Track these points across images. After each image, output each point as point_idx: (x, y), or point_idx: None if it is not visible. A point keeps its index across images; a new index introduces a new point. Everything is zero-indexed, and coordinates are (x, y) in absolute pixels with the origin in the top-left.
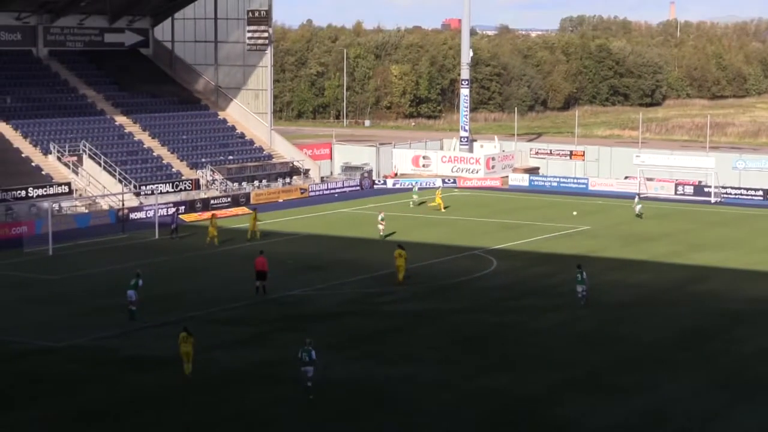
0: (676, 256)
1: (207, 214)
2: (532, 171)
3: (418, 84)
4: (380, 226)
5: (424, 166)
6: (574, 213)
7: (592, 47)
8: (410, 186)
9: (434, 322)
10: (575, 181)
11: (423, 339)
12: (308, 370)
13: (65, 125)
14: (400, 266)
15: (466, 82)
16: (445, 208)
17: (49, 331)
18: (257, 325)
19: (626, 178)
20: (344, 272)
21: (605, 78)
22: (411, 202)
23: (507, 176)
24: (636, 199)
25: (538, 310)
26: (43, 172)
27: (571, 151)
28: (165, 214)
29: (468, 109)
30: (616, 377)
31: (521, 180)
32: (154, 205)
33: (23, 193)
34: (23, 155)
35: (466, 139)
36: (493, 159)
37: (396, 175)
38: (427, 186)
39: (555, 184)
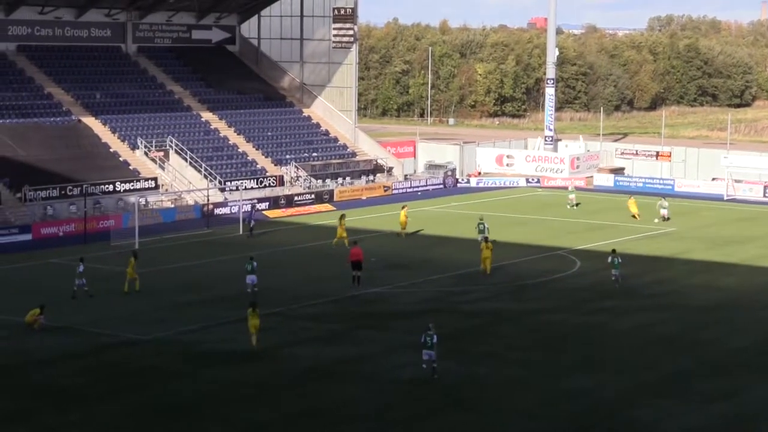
0: (765, 259)
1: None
2: (618, 171)
3: (502, 83)
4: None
5: (507, 165)
6: (656, 221)
7: (681, 47)
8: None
9: (516, 321)
10: (661, 182)
11: (504, 339)
12: (431, 354)
13: (152, 121)
14: (486, 258)
15: (552, 81)
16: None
17: (137, 323)
18: (338, 322)
19: (713, 179)
20: (426, 270)
21: (693, 78)
22: (568, 204)
23: (592, 176)
24: (660, 202)
25: (621, 312)
26: (130, 167)
27: (657, 152)
28: (244, 210)
29: (553, 109)
30: (699, 381)
31: (606, 180)
32: (239, 200)
33: (111, 187)
34: (111, 150)
35: (550, 139)
36: (578, 159)
37: (480, 174)
38: (555, 186)
39: (640, 184)
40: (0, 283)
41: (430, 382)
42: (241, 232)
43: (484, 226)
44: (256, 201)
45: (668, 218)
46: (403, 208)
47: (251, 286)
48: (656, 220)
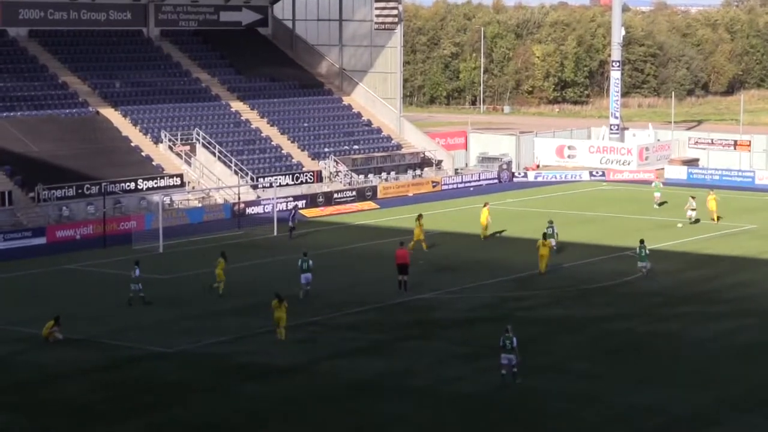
0: None
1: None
2: (691, 163)
3: (563, 66)
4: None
5: (569, 157)
6: (679, 225)
7: (761, 24)
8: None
9: (579, 329)
10: (740, 174)
11: (566, 348)
12: (510, 358)
13: (177, 112)
14: (543, 255)
15: (618, 64)
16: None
17: (161, 334)
18: (383, 332)
19: None
20: (479, 274)
21: None
22: (655, 204)
23: (662, 168)
24: (688, 203)
25: (697, 319)
26: (153, 163)
27: (735, 141)
28: (285, 209)
29: (619, 94)
30: None
31: (678, 173)
32: (273, 198)
33: (132, 185)
34: (132, 144)
35: (616, 127)
36: (647, 149)
37: (538, 167)
38: (646, 180)
39: (717, 177)
40: (12, 291)
41: (511, 386)
42: (275, 234)
43: (553, 230)
44: (292, 199)
45: (697, 220)
46: (485, 206)
47: (305, 285)
48: (679, 225)
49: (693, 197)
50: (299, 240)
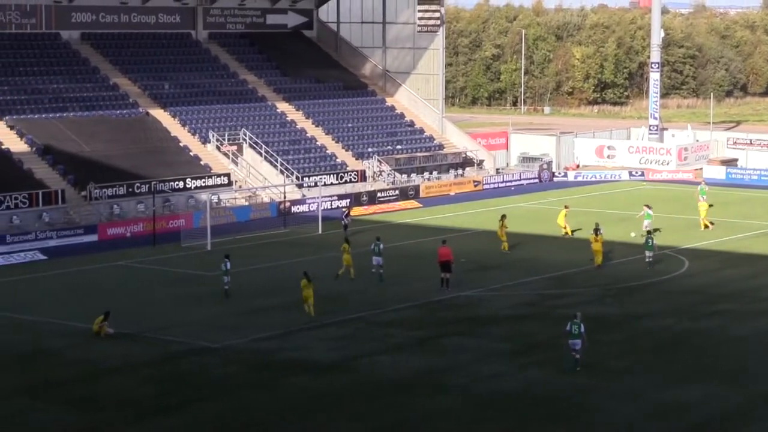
0: None
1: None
2: (730, 163)
3: (603, 67)
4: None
5: (608, 157)
6: (632, 234)
7: None
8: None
9: (619, 327)
10: None
11: (607, 346)
12: (576, 344)
13: (225, 112)
14: (597, 251)
15: (657, 66)
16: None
17: (208, 330)
18: (424, 329)
19: None
20: (521, 272)
21: None
22: (636, 233)
23: (701, 168)
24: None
25: (736, 317)
26: (201, 162)
27: None
28: (341, 207)
29: (658, 95)
30: None
31: (717, 173)
32: (318, 197)
33: (181, 184)
34: (181, 144)
35: (655, 128)
36: (686, 149)
37: (578, 167)
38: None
39: (755, 177)
40: (65, 287)
41: (573, 372)
42: (320, 232)
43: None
44: (343, 200)
45: (651, 231)
46: (565, 208)
47: (377, 266)
48: (633, 234)
49: (648, 206)
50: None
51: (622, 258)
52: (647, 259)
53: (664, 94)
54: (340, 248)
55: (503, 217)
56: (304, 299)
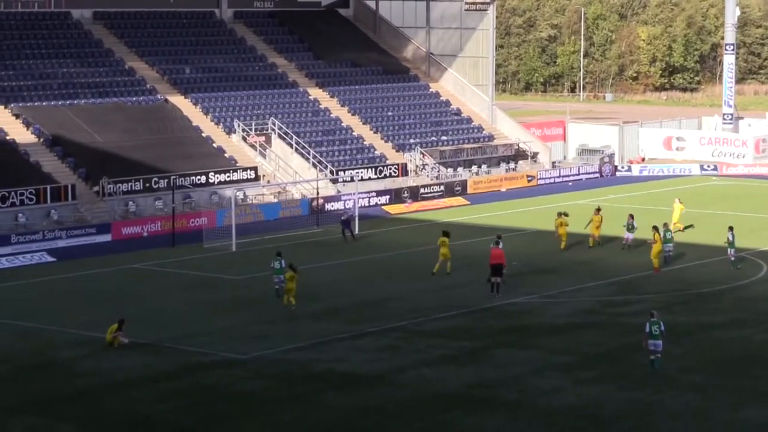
0: None
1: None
2: None
3: (671, 49)
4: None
5: (677, 149)
6: (624, 247)
7: None
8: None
9: (688, 338)
10: None
11: (674, 358)
12: (658, 344)
13: (251, 99)
14: (656, 252)
15: (732, 47)
16: (685, 227)
17: (234, 339)
18: (472, 339)
19: None
20: (580, 276)
21: None
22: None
23: None
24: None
25: None
26: (225, 155)
27: None
28: (343, 209)
29: (733, 80)
30: None
31: None
32: (355, 194)
33: (203, 178)
34: (203, 134)
35: (730, 117)
36: (764, 141)
37: (643, 160)
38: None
39: None
40: (76, 292)
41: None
42: (356, 232)
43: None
44: (375, 194)
45: (629, 245)
46: (677, 202)
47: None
48: (624, 246)
49: (631, 215)
50: (379, 238)
51: (692, 261)
52: (665, 253)
53: (740, 79)
54: (437, 242)
55: (561, 214)
56: (287, 291)
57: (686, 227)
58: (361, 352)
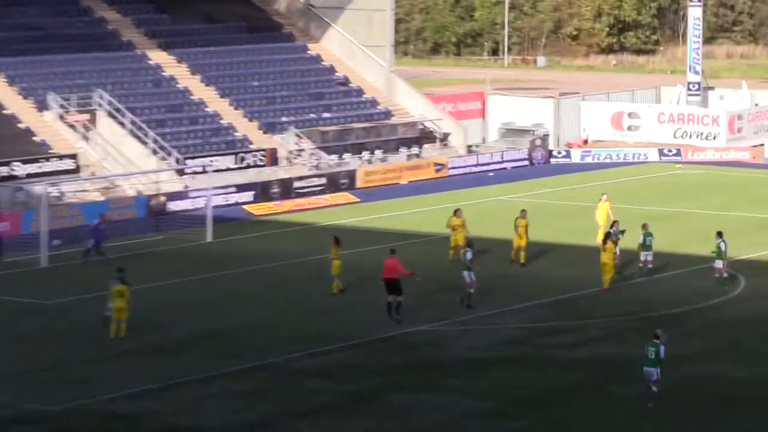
0: None
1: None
2: None
3: (621, 1)
4: None
5: (630, 128)
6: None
7: None
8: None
9: (642, 375)
10: None
11: (625, 402)
12: (651, 373)
13: (72, 65)
14: (605, 265)
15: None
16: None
17: (43, 385)
18: (363, 380)
19: None
20: (503, 296)
21: None
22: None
23: (762, 145)
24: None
25: None
26: (35, 138)
27: None
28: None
29: (700, 40)
30: None
31: None
32: (208, 189)
33: (4, 170)
34: (6, 111)
35: (696, 87)
36: (740, 118)
37: (585, 142)
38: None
39: None
40: None
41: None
42: (209, 239)
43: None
44: (235, 189)
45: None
46: (602, 199)
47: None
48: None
49: (616, 221)
50: (240, 246)
51: (651, 274)
52: (641, 264)
53: (709, 39)
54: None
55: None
56: (116, 312)
57: (617, 233)
58: (214, 401)
